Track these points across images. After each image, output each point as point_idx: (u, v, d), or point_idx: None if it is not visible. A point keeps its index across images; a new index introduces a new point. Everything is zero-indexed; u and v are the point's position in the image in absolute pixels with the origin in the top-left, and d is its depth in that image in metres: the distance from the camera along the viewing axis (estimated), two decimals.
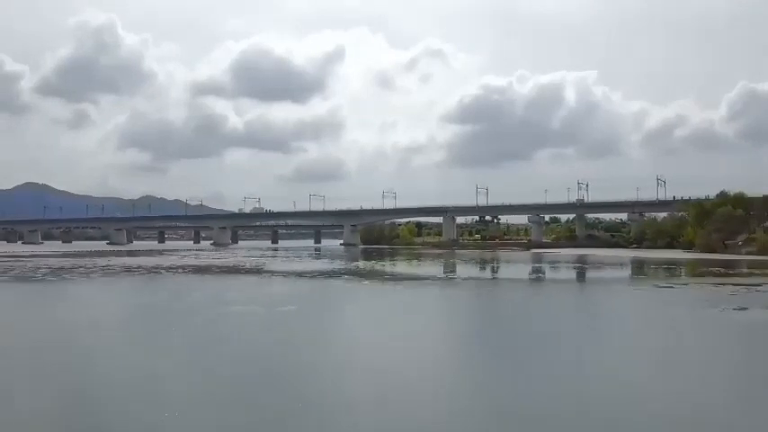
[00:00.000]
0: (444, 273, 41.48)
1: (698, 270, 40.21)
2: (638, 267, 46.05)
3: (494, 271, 44.95)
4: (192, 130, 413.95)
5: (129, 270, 39.50)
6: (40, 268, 40.52)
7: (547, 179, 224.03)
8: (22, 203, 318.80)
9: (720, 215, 67.66)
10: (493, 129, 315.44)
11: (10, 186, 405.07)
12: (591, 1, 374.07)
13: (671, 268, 42.13)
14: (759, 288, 25.99)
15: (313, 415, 7.68)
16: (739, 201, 69.58)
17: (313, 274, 37.17)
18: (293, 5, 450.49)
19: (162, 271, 38.83)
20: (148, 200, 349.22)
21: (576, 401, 8.47)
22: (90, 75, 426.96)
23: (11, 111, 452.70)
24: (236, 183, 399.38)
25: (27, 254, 74.96)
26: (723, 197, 72.32)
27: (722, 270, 37.90)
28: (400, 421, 7.51)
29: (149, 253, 77.23)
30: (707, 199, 76.12)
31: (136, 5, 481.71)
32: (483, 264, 53.09)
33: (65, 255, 71.11)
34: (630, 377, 10.10)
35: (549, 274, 41.96)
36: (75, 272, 37.04)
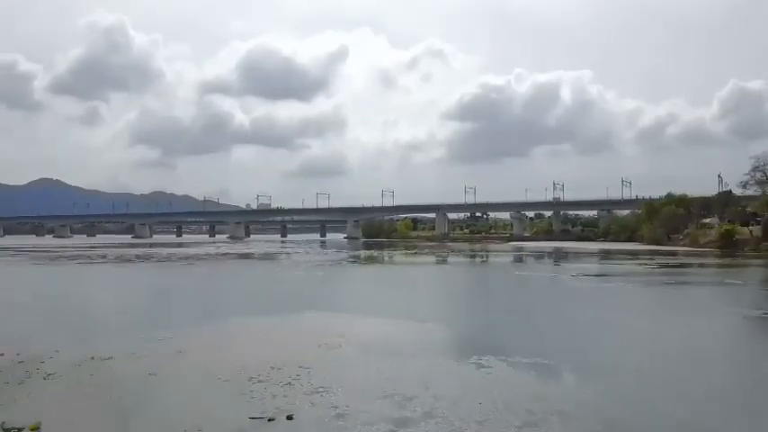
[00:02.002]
0: (429, 258, 54.32)
1: (615, 256, 53.08)
2: (577, 255, 58.91)
3: (467, 257, 57.73)
4: (200, 127, 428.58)
5: (195, 257, 52.57)
6: (122, 256, 53.65)
7: (543, 175, 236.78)
8: (37, 199, 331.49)
9: (665, 213, 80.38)
10: (491, 126, 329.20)
11: (25, 182, 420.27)
12: (587, 3, 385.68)
13: (598, 254, 55.09)
14: (621, 263, 38.99)
15: (337, 301, 20.75)
16: (681, 201, 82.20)
17: (327, 259, 50.15)
18: (296, 7, 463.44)
19: (218, 257, 52.05)
20: (158, 195, 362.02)
21: (480, 295, 21.61)
22: (101, 73, 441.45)
23: (25, 108, 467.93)
24: (242, 178, 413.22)
25: (77, 246, 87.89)
26: (669, 198, 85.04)
27: (631, 257, 50.81)
28: (386, 310, 20.55)
29: (185, 245, 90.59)
30: (658, 199, 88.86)
31: (145, 6, 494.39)
32: (461, 252, 65.90)
33: (114, 246, 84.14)
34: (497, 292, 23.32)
35: (502, 258, 54.74)
36: (154, 259, 49.94)
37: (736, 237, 64.72)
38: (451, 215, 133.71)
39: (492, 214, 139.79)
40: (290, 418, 7.44)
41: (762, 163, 61.60)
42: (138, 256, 52.76)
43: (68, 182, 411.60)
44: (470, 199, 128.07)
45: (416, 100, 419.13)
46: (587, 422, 7.26)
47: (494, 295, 24.18)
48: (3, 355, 10.93)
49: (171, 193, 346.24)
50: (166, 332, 13.30)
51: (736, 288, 25.49)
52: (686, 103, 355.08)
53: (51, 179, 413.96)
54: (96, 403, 8.08)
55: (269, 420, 7.28)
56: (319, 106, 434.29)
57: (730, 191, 70.56)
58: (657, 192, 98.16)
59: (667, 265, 39.88)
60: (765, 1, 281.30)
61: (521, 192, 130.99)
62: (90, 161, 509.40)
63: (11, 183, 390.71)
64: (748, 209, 69.94)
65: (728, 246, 63.38)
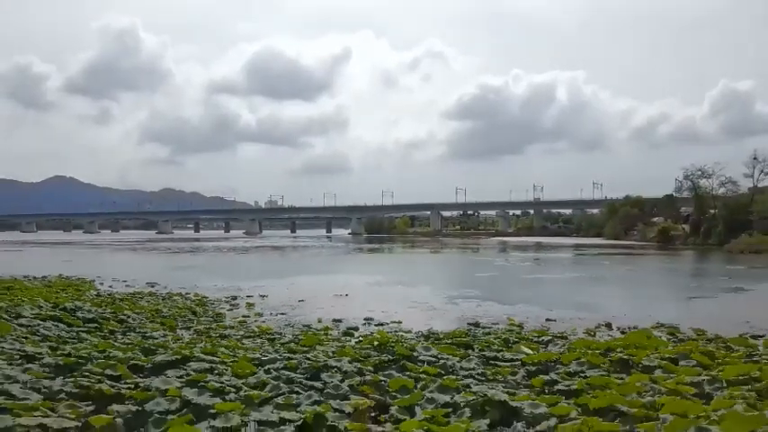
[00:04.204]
0: (421, 249, 69.10)
1: (566, 248, 67.76)
2: (541, 247, 73.63)
3: (451, 248, 72.43)
4: (208, 126, 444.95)
5: (239, 249, 67.29)
6: (182, 248, 68.52)
7: (539, 173, 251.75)
8: (52, 195, 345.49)
9: (622, 213, 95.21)
10: (489, 125, 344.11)
11: (40, 179, 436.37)
12: (584, 5, 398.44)
13: (557, 246, 69.74)
14: (558, 253, 53.57)
15: (356, 271, 35.61)
16: (636, 202, 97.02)
17: (340, 250, 64.92)
18: (301, 10, 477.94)
19: (255, 249, 66.89)
20: (168, 192, 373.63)
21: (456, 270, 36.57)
22: (112, 74, 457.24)
23: (39, 108, 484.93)
24: (248, 175, 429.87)
25: (124, 241, 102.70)
26: (627, 199, 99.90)
27: (576, 248, 65.44)
28: (381, 276, 35.43)
29: (218, 239, 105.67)
30: (618, 199, 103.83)
31: (154, 9, 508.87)
32: (448, 245, 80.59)
33: (154, 240, 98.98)
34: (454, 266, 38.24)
35: (477, 250, 69.36)
36: (208, 251, 64.61)
37: (672, 233, 79.46)
38: (445, 213, 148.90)
39: (483, 212, 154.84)
40: (346, 295, 22.07)
41: (690, 172, 76.17)
42: (193, 248, 67.66)
43: (82, 179, 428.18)
44: (462, 198, 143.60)
45: (417, 100, 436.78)
46: (435, 298, 22.02)
47: (447, 268, 38.87)
48: (225, 289, 25.63)
49: (180, 190, 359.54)
50: (279, 279, 28.07)
51: (602, 266, 40.24)
52: (678, 103, 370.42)
53: (65, 176, 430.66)
54: (282, 295, 22.76)
55: (339, 296, 21.83)
56: (323, 106, 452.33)
57: (672, 194, 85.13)
58: (648, 189, 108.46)
59: (588, 254, 54.66)
60: (757, 3, 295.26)
61: (517, 189, 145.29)
62: (101, 159, 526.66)
63: (26, 180, 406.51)
64: (682, 210, 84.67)
65: (665, 240, 78.05)
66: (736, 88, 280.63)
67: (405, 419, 5.76)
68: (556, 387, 7.10)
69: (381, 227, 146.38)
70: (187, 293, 21.70)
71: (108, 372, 7.36)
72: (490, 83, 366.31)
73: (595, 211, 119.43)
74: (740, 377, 7.03)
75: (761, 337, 12.83)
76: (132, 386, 6.66)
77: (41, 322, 12.73)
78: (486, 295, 21.45)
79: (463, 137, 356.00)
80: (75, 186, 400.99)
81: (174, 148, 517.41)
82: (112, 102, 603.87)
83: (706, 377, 7.28)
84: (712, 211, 73.34)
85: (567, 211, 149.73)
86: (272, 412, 5.92)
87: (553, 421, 5.49)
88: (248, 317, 16.35)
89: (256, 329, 13.65)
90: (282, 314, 16.92)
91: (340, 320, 15.47)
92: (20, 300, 15.82)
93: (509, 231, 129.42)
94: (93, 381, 6.79)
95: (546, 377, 7.77)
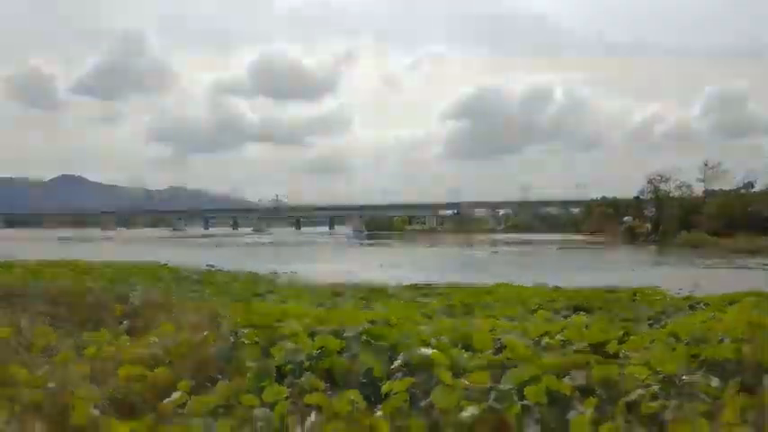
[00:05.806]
0: (416, 244, 79.37)
1: (544, 243, 77.93)
2: (521, 242, 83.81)
3: (443, 244, 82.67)
4: (213, 126, 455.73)
5: (260, 244, 77.56)
6: (208, 244, 78.85)
7: (537, 172, 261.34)
8: (61, 193, 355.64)
9: (597, 212, 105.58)
10: (488, 125, 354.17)
11: (49, 178, 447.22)
12: (583, 5, 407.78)
13: (534, 242, 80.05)
14: (526, 246, 63.88)
15: (362, 259, 45.95)
16: (610, 203, 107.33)
17: (347, 245, 75.20)
18: (304, 13, 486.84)
19: (269, 243, 77.26)
20: (174, 191, 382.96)
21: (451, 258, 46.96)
22: (120, 75, 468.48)
23: (48, 108, 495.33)
24: (252, 174, 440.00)
25: (143, 237, 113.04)
26: (603, 200, 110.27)
27: (551, 243, 75.70)
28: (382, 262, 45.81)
29: (226, 236, 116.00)
30: (596, 200, 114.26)
31: (162, 12, 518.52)
32: (440, 241, 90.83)
33: (178, 238, 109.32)
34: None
35: (465, 245, 79.50)
36: (238, 245, 74.86)
37: (637, 230, 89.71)
38: (441, 212, 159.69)
39: (476, 210, 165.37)
40: (351, 272, 32.26)
41: (653, 177, 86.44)
42: (217, 243, 78.08)
43: (89, 177, 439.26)
44: (457, 198, 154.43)
45: (417, 100, 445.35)
46: (411, 272, 32.33)
47: (430, 258, 49.04)
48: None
49: (186, 189, 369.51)
50: (301, 264, 38.28)
51: (554, 255, 50.38)
52: (675, 103, 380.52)
53: (74, 175, 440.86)
54: (306, 272, 32.99)
55: (346, 272, 31.98)
56: (326, 107, 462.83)
57: (638, 196, 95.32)
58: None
59: (566, 249, 64.87)
60: (757, 3, 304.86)
61: (516, 188, 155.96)
62: (109, 158, 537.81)
63: (36, 178, 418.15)
64: (652, 209, 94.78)
65: (630, 237, 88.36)
66: (731, 89, 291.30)
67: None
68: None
69: (381, 225, 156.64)
70: (241, 270, 31.85)
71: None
72: (489, 83, 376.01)
73: (577, 210, 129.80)
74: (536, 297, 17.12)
75: (586, 287, 22.94)
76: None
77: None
78: (446, 271, 31.66)
79: (462, 137, 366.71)
80: (83, 185, 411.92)
81: (179, 148, 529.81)
82: (119, 102, 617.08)
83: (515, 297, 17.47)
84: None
85: (554, 210, 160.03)
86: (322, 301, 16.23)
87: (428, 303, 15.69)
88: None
89: (300, 285, 23.87)
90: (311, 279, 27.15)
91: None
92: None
93: (499, 228, 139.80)
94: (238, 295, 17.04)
95: (442, 296, 18.03)
